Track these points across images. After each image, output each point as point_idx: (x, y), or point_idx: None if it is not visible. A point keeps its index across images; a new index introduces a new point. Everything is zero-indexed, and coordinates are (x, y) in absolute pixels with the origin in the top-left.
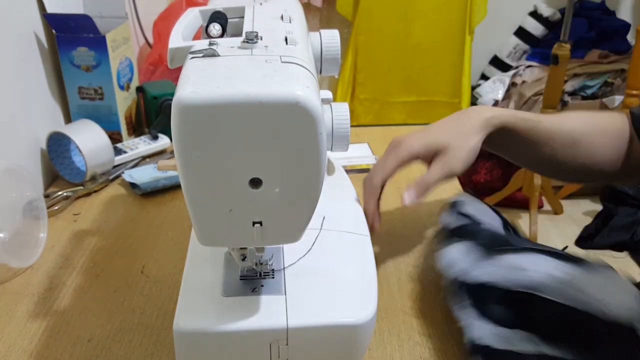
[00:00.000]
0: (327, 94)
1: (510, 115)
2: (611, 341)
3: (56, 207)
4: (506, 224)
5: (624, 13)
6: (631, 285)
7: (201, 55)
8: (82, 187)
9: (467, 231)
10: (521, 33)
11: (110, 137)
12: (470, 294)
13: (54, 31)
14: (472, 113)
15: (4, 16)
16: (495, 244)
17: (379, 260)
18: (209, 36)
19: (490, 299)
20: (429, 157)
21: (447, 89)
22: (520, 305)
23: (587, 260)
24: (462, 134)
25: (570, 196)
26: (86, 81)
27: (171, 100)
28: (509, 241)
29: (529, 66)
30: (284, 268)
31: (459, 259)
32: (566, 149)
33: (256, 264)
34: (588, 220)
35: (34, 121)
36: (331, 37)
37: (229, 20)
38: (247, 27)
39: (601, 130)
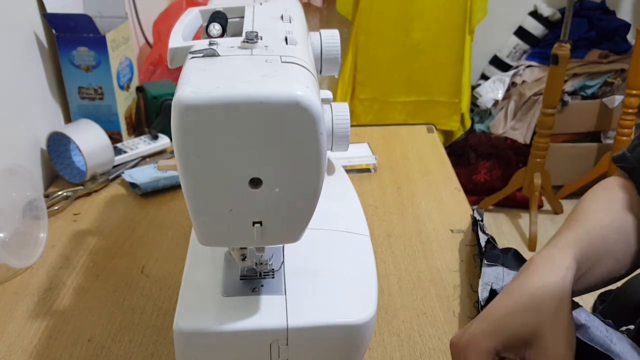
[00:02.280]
0: (327, 93)
1: (589, 230)
2: None
3: (56, 207)
4: None
5: (624, 13)
6: None
7: (201, 55)
8: (82, 187)
9: None
10: (521, 33)
11: (110, 137)
12: None
13: (54, 31)
14: (536, 276)
15: (4, 16)
16: None
17: (379, 260)
18: (209, 36)
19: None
20: (513, 351)
21: (447, 88)
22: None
23: None
24: (545, 307)
25: (570, 196)
26: (86, 81)
27: (171, 100)
28: None
29: (529, 66)
30: (284, 268)
31: None
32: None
33: (256, 263)
34: None
35: (34, 121)
36: (331, 37)
37: (229, 20)
38: (247, 27)
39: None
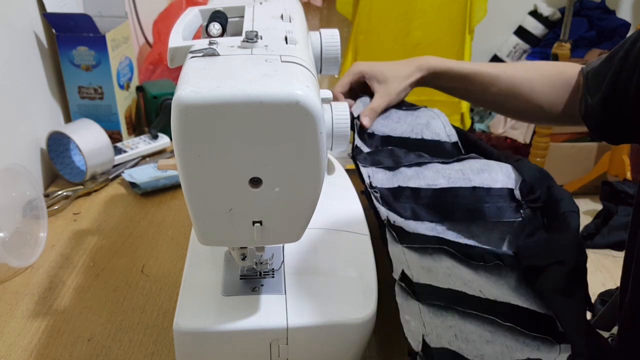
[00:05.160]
0: (327, 93)
1: (443, 64)
2: (494, 203)
3: (56, 207)
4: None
5: (624, 12)
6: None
7: (201, 54)
8: (82, 187)
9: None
10: (521, 32)
11: (110, 137)
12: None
13: (53, 31)
14: (410, 60)
15: (3, 16)
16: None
17: (379, 260)
18: (209, 35)
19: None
20: (372, 80)
21: None
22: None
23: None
24: (401, 73)
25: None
26: (86, 81)
27: (171, 99)
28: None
29: None
30: (284, 267)
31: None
32: (505, 93)
33: (256, 263)
34: (588, 219)
35: (34, 121)
36: (331, 37)
37: (229, 19)
38: (247, 27)
39: (545, 77)
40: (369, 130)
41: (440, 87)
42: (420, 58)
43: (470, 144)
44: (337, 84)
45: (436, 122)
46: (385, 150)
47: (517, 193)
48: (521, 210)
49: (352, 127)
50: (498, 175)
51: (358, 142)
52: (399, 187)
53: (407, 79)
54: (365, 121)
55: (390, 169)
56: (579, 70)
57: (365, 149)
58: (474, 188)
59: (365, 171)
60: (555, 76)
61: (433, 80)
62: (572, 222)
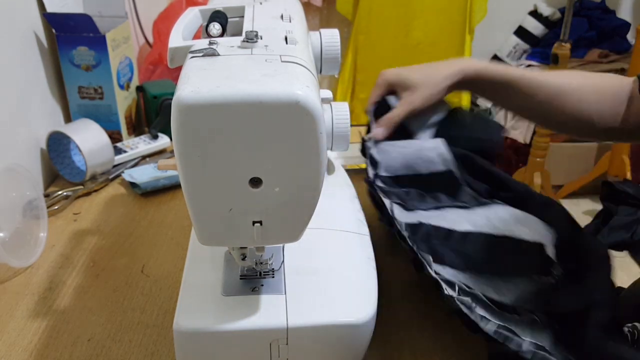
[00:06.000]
0: (327, 93)
1: (486, 67)
2: (524, 260)
3: (56, 207)
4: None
5: (624, 12)
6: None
7: (201, 54)
8: (82, 187)
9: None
10: (521, 32)
11: (110, 137)
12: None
13: (53, 31)
14: (450, 61)
15: (4, 16)
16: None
17: (379, 260)
18: (209, 35)
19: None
20: (400, 89)
21: None
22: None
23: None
24: (434, 77)
25: (570, 196)
26: (86, 80)
27: (171, 99)
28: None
29: (528, 65)
30: (283, 267)
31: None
32: (552, 100)
33: (256, 263)
34: (588, 219)
35: (34, 121)
36: (331, 37)
37: (229, 19)
38: (247, 27)
39: (592, 85)
40: (375, 156)
41: (480, 91)
42: (462, 60)
43: (480, 171)
44: (370, 99)
45: (429, 152)
46: (401, 191)
47: (550, 251)
48: (553, 271)
49: (363, 151)
50: (527, 227)
51: (368, 164)
52: (420, 223)
53: (442, 83)
54: (378, 132)
55: (407, 208)
56: (633, 79)
57: (375, 174)
58: (501, 237)
59: (387, 202)
60: (606, 85)
61: (473, 84)
62: (604, 268)
